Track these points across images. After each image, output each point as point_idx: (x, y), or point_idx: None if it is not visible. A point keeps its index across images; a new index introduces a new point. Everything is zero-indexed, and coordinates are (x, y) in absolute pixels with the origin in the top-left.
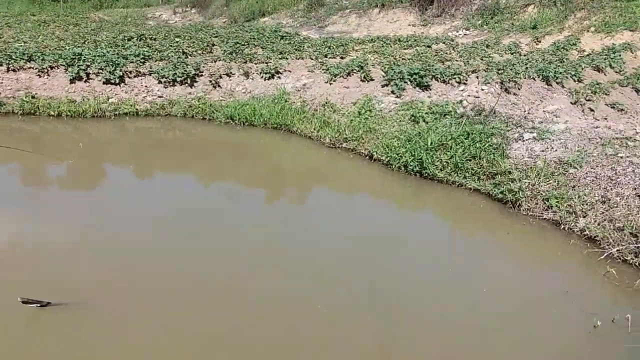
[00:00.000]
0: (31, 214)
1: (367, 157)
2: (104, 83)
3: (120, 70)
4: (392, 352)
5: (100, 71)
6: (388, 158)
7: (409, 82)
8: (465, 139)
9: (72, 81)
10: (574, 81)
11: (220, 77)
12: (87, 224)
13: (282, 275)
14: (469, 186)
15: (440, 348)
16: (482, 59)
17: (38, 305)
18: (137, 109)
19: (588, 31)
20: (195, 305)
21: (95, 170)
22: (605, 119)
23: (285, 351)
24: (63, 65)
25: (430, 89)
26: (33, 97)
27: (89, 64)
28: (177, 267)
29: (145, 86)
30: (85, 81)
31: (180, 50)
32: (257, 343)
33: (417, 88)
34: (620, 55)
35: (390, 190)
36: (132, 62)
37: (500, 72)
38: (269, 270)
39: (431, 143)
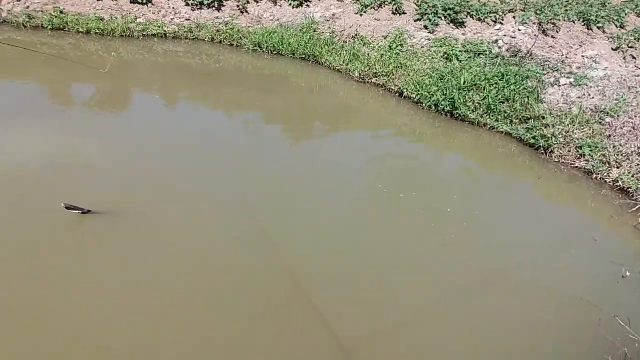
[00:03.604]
0: (63, 129)
1: (397, 94)
2: (131, 2)
3: None
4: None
5: None
6: (419, 96)
7: (442, 18)
8: (500, 80)
9: None
10: (616, 27)
11: (248, 2)
12: (118, 143)
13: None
14: (501, 129)
15: (467, 285)
16: None
17: (80, 212)
18: (165, 31)
19: None
20: (212, 215)
21: (124, 92)
22: None
23: None
24: None
25: (465, 27)
26: (61, 12)
27: None
28: (193, 186)
29: (173, 8)
30: None
31: None
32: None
33: (451, 24)
34: None
35: (419, 129)
36: None
37: (538, 12)
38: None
39: (464, 83)
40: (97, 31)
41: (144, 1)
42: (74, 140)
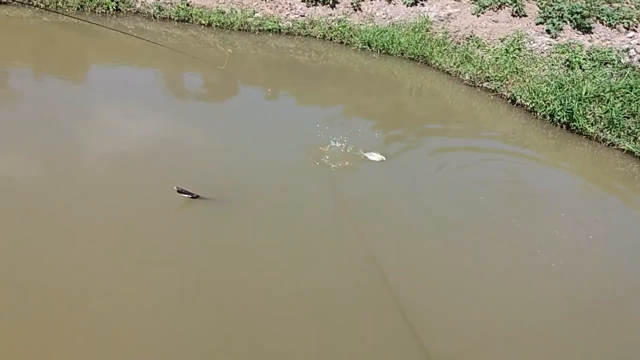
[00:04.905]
0: (177, 119)
1: (509, 101)
2: None
3: None
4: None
5: None
6: (533, 104)
7: (567, 22)
8: (627, 92)
9: None
10: None
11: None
12: (227, 134)
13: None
14: (622, 147)
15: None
16: None
17: (190, 196)
18: (279, 27)
19: None
20: (312, 214)
21: (234, 85)
22: None
23: None
24: None
25: (592, 32)
26: (188, 4)
27: None
28: (293, 181)
29: (289, 3)
30: None
31: None
32: None
33: (576, 30)
34: None
35: (530, 139)
36: None
37: None
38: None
39: (586, 93)
40: (217, 24)
41: None
42: (191, 130)
